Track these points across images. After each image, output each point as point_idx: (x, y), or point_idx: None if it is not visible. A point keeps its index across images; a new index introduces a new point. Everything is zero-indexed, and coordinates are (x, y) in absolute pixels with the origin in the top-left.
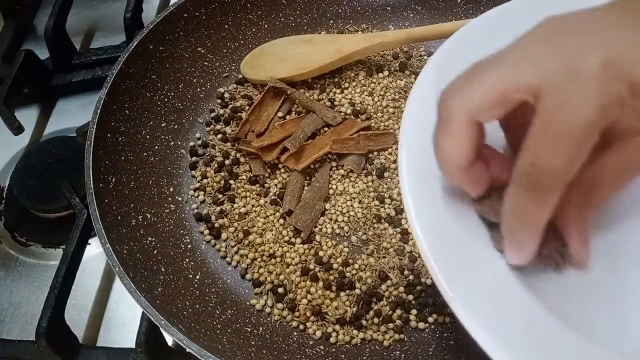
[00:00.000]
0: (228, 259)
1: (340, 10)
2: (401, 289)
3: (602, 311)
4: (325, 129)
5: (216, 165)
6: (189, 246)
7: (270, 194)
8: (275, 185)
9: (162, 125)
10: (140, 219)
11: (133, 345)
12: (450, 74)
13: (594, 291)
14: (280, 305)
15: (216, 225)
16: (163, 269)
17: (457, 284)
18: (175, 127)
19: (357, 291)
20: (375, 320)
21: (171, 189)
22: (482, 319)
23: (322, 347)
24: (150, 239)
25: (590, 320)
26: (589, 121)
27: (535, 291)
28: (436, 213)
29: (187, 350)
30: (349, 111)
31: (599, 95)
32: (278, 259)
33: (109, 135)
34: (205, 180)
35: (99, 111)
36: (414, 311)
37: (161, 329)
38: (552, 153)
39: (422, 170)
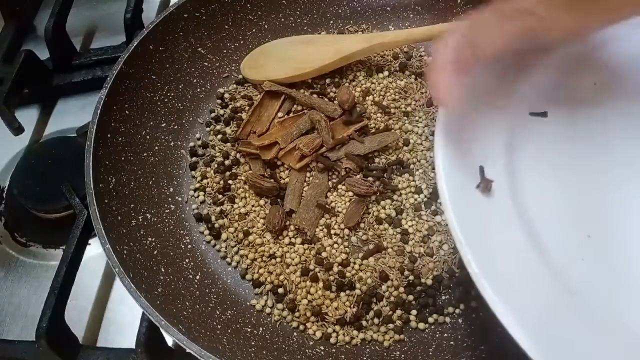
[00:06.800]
0: (228, 259)
1: (340, 11)
2: (401, 289)
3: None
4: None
5: (216, 165)
6: (189, 246)
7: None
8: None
9: (162, 125)
10: (140, 219)
11: (133, 346)
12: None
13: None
14: (280, 306)
15: (216, 225)
16: (163, 269)
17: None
18: (175, 127)
19: (357, 291)
20: (376, 320)
21: (171, 189)
22: (504, 297)
23: (322, 348)
24: (150, 239)
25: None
26: None
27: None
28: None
29: (187, 350)
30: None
31: None
32: (278, 260)
33: (109, 135)
34: (205, 181)
35: (99, 111)
36: (414, 312)
37: (161, 329)
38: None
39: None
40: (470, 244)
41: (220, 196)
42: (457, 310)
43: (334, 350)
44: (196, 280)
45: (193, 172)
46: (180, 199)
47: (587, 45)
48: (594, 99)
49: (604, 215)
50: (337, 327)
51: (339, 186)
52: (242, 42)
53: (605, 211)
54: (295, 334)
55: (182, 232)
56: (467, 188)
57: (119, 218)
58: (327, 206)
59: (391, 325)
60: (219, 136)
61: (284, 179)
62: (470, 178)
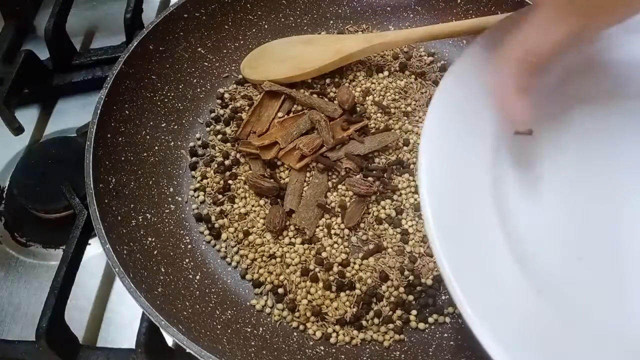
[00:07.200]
0: (228, 259)
1: (340, 11)
2: (401, 289)
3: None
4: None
5: (216, 165)
6: (189, 246)
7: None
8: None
9: (162, 125)
10: (140, 219)
11: (133, 346)
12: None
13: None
14: (280, 306)
15: (216, 225)
16: (163, 269)
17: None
18: (175, 127)
19: (357, 291)
20: (376, 320)
21: (171, 189)
22: (486, 317)
23: (322, 348)
24: (150, 239)
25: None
26: None
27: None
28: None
29: (187, 350)
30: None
31: None
32: (278, 260)
33: (109, 135)
34: (205, 181)
35: (99, 111)
36: (414, 312)
37: (161, 329)
38: None
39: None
40: (458, 277)
41: (220, 196)
42: (457, 310)
43: (334, 350)
44: (196, 280)
45: (193, 172)
46: (180, 199)
47: (584, 54)
48: (584, 111)
49: (595, 235)
50: (337, 327)
51: (339, 186)
52: (242, 42)
53: (597, 230)
54: (295, 334)
55: (182, 232)
56: (454, 213)
57: (119, 218)
58: (327, 206)
59: (391, 325)
60: (219, 136)
61: (284, 179)
62: (456, 200)
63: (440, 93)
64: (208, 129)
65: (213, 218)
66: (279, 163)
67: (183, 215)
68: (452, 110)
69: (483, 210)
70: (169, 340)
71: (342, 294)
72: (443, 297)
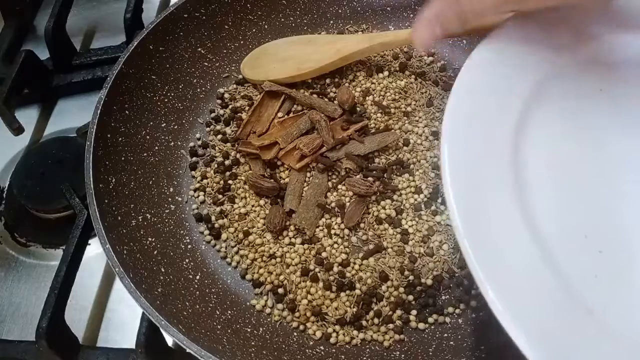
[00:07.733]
0: (228, 260)
1: (340, 11)
2: (401, 289)
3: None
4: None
5: (216, 165)
6: (189, 246)
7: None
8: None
9: (162, 125)
10: (140, 220)
11: (133, 346)
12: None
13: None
14: (280, 306)
15: (216, 225)
16: (163, 270)
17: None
18: (175, 127)
19: (357, 291)
20: (376, 320)
21: (171, 189)
22: (510, 304)
23: (322, 348)
24: (150, 239)
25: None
26: None
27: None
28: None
29: (187, 350)
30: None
31: None
32: (278, 260)
33: (109, 135)
34: (205, 181)
35: (99, 112)
36: (414, 312)
37: (161, 329)
38: None
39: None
40: (484, 270)
41: (220, 196)
42: (457, 310)
43: (334, 350)
44: (196, 280)
45: (193, 172)
46: (180, 199)
47: (593, 52)
48: (602, 106)
49: (613, 229)
50: (337, 327)
51: (339, 186)
52: (242, 42)
53: (615, 225)
54: (295, 334)
55: (182, 232)
56: (477, 209)
57: (119, 218)
58: (327, 206)
59: (391, 325)
60: (219, 136)
61: (284, 179)
62: (478, 196)
63: (462, 79)
64: (208, 129)
65: (213, 218)
66: (279, 163)
67: (183, 215)
68: (474, 96)
69: (503, 190)
70: (169, 340)
71: (342, 294)
72: (443, 297)
